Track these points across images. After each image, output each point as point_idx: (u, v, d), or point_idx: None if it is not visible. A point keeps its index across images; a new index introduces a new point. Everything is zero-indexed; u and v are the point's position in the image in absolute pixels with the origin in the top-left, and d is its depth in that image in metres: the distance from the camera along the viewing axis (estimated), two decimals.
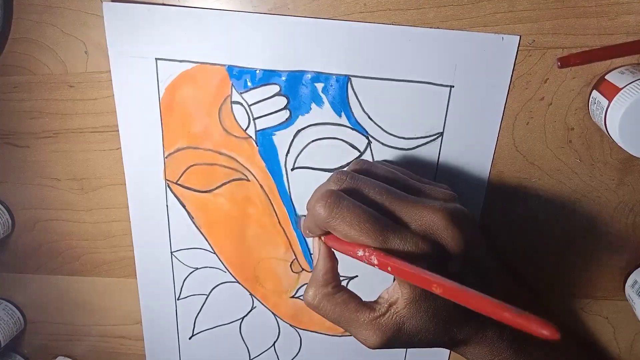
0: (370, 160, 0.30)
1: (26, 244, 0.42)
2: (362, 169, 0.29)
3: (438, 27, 0.32)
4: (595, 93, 0.32)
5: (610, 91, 0.30)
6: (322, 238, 0.29)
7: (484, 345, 0.29)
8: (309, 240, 0.38)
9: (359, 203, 0.26)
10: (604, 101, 0.30)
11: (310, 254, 0.39)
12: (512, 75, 0.32)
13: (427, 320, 0.26)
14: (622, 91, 0.28)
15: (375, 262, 0.24)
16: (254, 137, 0.36)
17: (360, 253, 0.25)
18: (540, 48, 0.32)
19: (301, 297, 0.41)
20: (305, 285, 0.39)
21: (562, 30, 0.31)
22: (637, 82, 0.28)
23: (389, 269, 0.24)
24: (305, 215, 0.31)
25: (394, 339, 0.26)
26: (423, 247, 0.25)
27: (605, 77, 0.31)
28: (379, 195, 0.27)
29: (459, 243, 0.26)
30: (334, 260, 0.29)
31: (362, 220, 0.25)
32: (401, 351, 0.41)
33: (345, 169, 0.30)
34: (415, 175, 0.31)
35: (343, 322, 0.27)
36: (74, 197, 0.40)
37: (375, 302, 0.27)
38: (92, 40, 0.35)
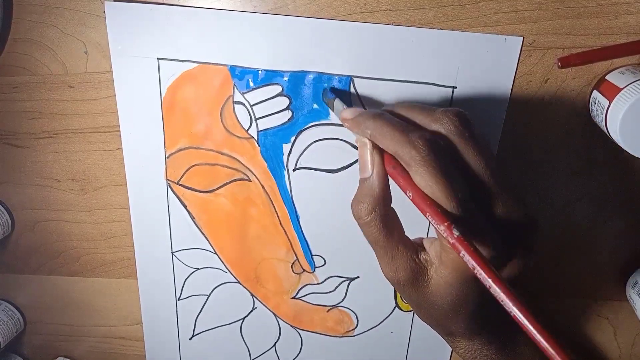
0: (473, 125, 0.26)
1: (26, 245, 0.42)
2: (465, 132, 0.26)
3: (438, 28, 0.32)
4: (595, 93, 0.32)
5: (611, 91, 0.30)
6: (378, 155, 0.26)
7: (478, 345, 0.28)
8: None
9: (456, 169, 0.24)
10: (605, 101, 0.30)
11: (312, 255, 0.39)
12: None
13: (451, 302, 0.25)
14: (622, 91, 0.28)
15: (454, 237, 0.22)
16: (255, 137, 0.36)
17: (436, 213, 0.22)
18: (541, 48, 0.32)
19: (302, 298, 0.41)
20: (306, 286, 0.40)
21: (562, 31, 0.31)
22: (637, 82, 0.28)
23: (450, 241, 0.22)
24: (343, 107, 0.29)
25: (414, 282, 0.26)
26: (497, 240, 0.24)
27: (606, 78, 0.31)
28: (481, 167, 0.25)
29: (530, 255, 0.25)
30: (387, 176, 0.26)
31: (451, 185, 0.23)
32: (402, 351, 0.41)
33: (447, 110, 0.27)
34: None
35: (382, 248, 0.26)
36: (73, 197, 0.40)
37: (419, 245, 0.26)
38: (92, 41, 0.35)
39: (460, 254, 0.22)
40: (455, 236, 0.22)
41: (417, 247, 0.26)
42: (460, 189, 0.23)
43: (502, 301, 0.21)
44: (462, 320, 0.27)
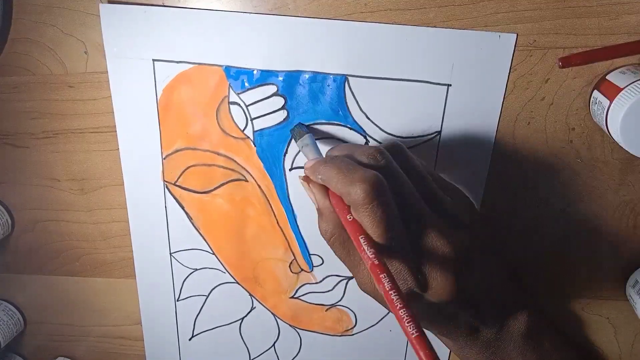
0: (406, 150, 0.29)
1: (26, 245, 0.42)
2: (398, 158, 0.29)
3: (439, 27, 0.32)
4: (596, 93, 0.31)
5: (612, 91, 0.29)
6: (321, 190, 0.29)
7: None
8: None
9: (390, 207, 0.26)
10: (605, 101, 0.30)
11: (309, 254, 0.39)
12: (511, 74, 0.32)
13: None
14: (623, 91, 0.28)
15: (368, 261, 0.25)
16: (251, 137, 0.36)
17: (363, 242, 0.25)
18: (541, 48, 0.32)
19: (300, 298, 0.41)
20: (304, 286, 0.40)
21: (563, 30, 0.31)
22: (638, 82, 0.28)
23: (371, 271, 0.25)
24: (318, 157, 0.31)
25: (381, 297, 0.27)
26: (412, 274, 0.26)
27: (607, 77, 0.31)
28: (404, 199, 0.27)
29: (448, 289, 0.26)
30: None
31: (389, 226, 0.25)
32: (401, 350, 0.41)
33: (382, 144, 0.30)
34: (439, 178, 0.31)
35: (348, 265, 0.28)
36: (73, 197, 0.40)
37: None
38: (91, 41, 0.35)
39: (380, 277, 0.24)
40: (376, 263, 0.24)
41: None
42: (394, 226, 0.26)
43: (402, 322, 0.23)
44: (430, 329, 0.30)
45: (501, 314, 0.31)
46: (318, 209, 0.29)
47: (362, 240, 0.25)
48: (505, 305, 0.31)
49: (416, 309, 0.27)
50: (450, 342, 0.31)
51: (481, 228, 0.31)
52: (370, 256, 0.25)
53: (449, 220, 0.28)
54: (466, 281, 0.27)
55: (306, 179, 0.30)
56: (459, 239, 0.27)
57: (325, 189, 0.29)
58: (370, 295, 0.28)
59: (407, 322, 0.22)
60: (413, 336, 0.22)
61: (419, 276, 0.26)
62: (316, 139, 0.35)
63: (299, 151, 0.35)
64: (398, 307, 0.23)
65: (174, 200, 0.38)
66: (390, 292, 0.23)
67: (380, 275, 0.24)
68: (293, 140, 0.35)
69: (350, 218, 0.26)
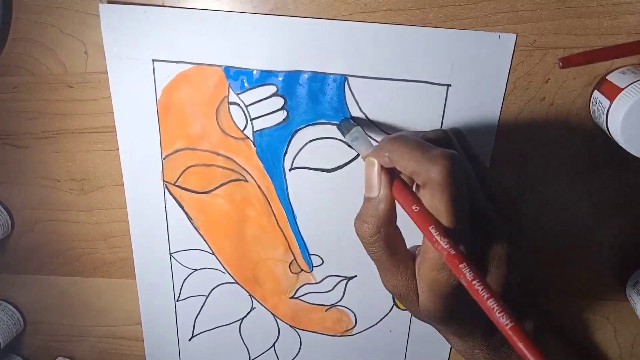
0: (467, 137, 0.28)
1: (26, 245, 0.42)
2: (462, 145, 0.27)
3: (438, 27, 0.32)
4: (596, 93, 0.31)
5: (612, 91, 0.29)
6: (386, 177, 0.26)
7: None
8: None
9: (467, 191, 0.24)
10: (606, 101, 0.30)
11: (309, 254, 0.39)
12: (511, 75, 0.32)
13: (435, 315, 0.27)
14: (623, 91, 0.28)
15: (443, 252, 0.23)
16: (251, 137, 0.36)
17: (434, 232, 0.23)
18: (542, 48, 0.32)
19: (300, 298, 0.40)
20: (304, 286, 0.40)
21: (563, 31, 0.31)
22: (638, 82, 0.28)
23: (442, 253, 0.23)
24: (361, 131, 0.29)
25: (409, 301, 0.27)
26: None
27: (607, 78, 0.31)
28: (470, 189, 0.25)
29: (499, 288, 0.26)
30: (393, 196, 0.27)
31: (461, 212, 0.24)
32: (401, 349, 0.41)
33: (442, 130, 0.28)
34: (489, 172, 0.29)
35: (385, 265, 0.27)
36: (73, 197, 0.40)
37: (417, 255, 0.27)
38: (91, 41, 0.35)
39: (461, 268, 0.23)
40: (453, 254, 0.23)
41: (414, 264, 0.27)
42: (464, 217, 0.24)
43: (495, 317, 0.21)
44: (451, 326, 0.28)
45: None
46: (369, 199, 0.26)
47: (433, 231, 0.23)
48: (519, 307, 0.30)
49: (459, 302, 0.25)
50: (459, 342, 0.30)
51: (519, 223, 0.30)
52: (445, 246, 0.23)
53: (501, 213, 0.27)
54: (510, 280, 0.26)
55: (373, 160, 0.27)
56: (511, 236, 0.26)
57: (390, 179, 0.26)
58: (405, 302, 0.27)
59: (499, 313, 0.21)
60: (508, 327, 0.21)
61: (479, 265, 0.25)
62: (315, 139, 0.35)
63: (299, 151, 0.35)
64: (485, 298, 0.21)
65: (174, 201, 0.38)
66: (474, 283, 0.22)
67: (460, 266, 0.22)
68: (294, 141, 0.35)
69: (416, 209, 0.24)
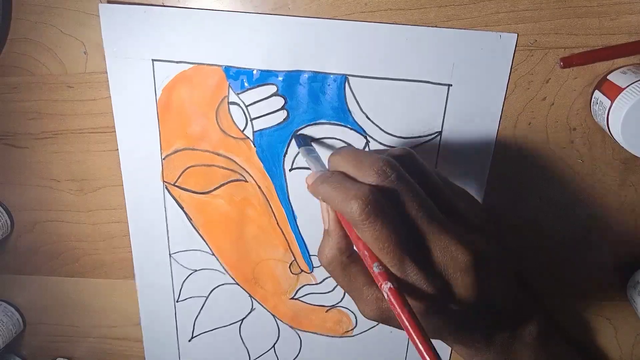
0: (418, 157, 0.28)
1: (25, 245, 0.42)
2: (409, 166, 0.28)
3: (439, 27, 0.32)
4: (597, 93, 0.31)
5: (613, 91, 0.29)
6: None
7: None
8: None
9: (393, 221, 0.25)
10: (606, 101, 0.30)
11: (309, 255, 0.39)
12: (512, 74, 0.32)
13: None
14: (624, 91, 0.28)
15: (386, 290, 0.24)
16: (251, 137, 0.36)
17: (376, 269, 0.25)
18: (542, 48, 0.32)
19: (300, 299, 0.40)
20: (304, 286, 0.40)
21: (564, 30, 0.31)
22: (639, 82, 0.28)
23: (386, 293, 0.24)
24: (321, 170, 0.29)
25: (388, 320, 0.27)
26: (432, 286, 0.25)
27: (608, 77, 0.31)
28: (414, 210, 0.26)
29: (471, 293, 0.26)
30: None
31: (389, 241, 0.25)
32: (401, 350, 0.41)
33: (391, 151, 0.28)
34: (447, 182, 0.30)
35: (349, 292, 0.28)
36: (73, 198, 0.40)
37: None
38: (91, 41, 0.35)
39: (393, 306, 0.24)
40: (388, 289, 0.24)
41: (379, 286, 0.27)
42: (397, 245, 0.25)
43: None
44: (447, 339, 0.29)
45: (515, 319, 0.31)
46: (325, 231, 0.28)
47: (369, 260, 0.25)
48: (519, 310, 0.31)
49: (439, 320, 0.26)
50: (463, 350, 0.31)
51: (493, 231, 0.30)
52: (376, 271, 0.24)
53: (463, 225, 0.27)
54: (486, 285, 0.26)
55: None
56: (476, 243, 0.26)
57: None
58: (376, 321, 0.28)
59: (417, 339, 0.22)
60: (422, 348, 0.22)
61: (440, 285, 0.26)
62: (316, 139, 0.35)
63: (299, 151, 0.35)
64: (405, 320, 0.22)
65: (174, 201, 0.38)
66: (398, 311, 0.23)
67: (390, 299, 0.23)
68: (294, 142, 0.35)
69: (357, 244, 0.26)
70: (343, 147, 0.34)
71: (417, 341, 0.22)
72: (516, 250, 0.37)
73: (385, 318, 0.27)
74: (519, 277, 0.37)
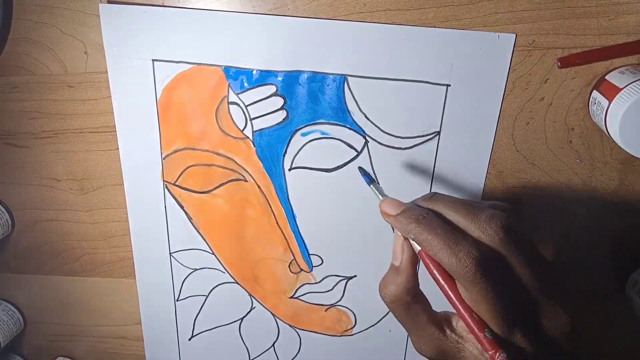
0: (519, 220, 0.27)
1: (26, 245, 0.42)
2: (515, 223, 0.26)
3: (437, 27, 0.32)
4: (595, 93, 0.31)
5: (611, 91, 0.29)
6: (413, 246, 0.27)
7: None
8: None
9: (503, 283, 0.24)
10: (604, 101, 0.30)
11: (309, 254, 0.39)
12: (510, 75, 0.32)
13: None
14: (622, 91, 0.28)
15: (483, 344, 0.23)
16: (251, 137, 0.36)
17: (488, 336, 0.23)
18: (540, 48, 0.32)
19: (300, 298, 0.41)
20: (304, 286, 0.40)
21: (562, 31, 0.31)
22: (637, 82, 0.28)
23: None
24: (410, 204, 0.28)
25: (442, 356, 0.26)
26: (542, 354, 0.24)
27: (606, 78, 0.31)
28: (526, 276, 0.24)
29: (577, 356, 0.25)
30: (416, 267, 0.27)
31: (500, 304, 0.23)
32: (401, 349, 0.41)
33: (494, 205, 0.27)
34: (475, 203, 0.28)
35: (408, 328, 0.27)
36: (73, 197, 0.40)
37: (446, 322, 0.27)
38: (91, 41, 0.35)
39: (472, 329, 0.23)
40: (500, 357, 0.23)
41: (444, 324, 0.27)
42: (508, 310, 0.23)
43: None
44: None
45: None
46: (393, 266, 0.27)
47: (477, 323, 0.24)
48: None
49: None
50: None
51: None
52: (480, 335, 0.23)
53: (557, 295, 0.25)
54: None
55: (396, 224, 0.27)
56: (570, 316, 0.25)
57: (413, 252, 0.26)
58: (429, 357, 0.27)
59: None
60: None
61: (547, 351, 0.24)
62: (315, 139, 0.35)
63: (299, 151, 0.35)
64: None
65: (174, 200, 0.38)
66: None
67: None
68: (293, 141, 0.35)
69: (451, 295, 0.25)
70: (436, 192, 0.29)
71: None
72: None
73: (441, 355, 0.26)
74: None
